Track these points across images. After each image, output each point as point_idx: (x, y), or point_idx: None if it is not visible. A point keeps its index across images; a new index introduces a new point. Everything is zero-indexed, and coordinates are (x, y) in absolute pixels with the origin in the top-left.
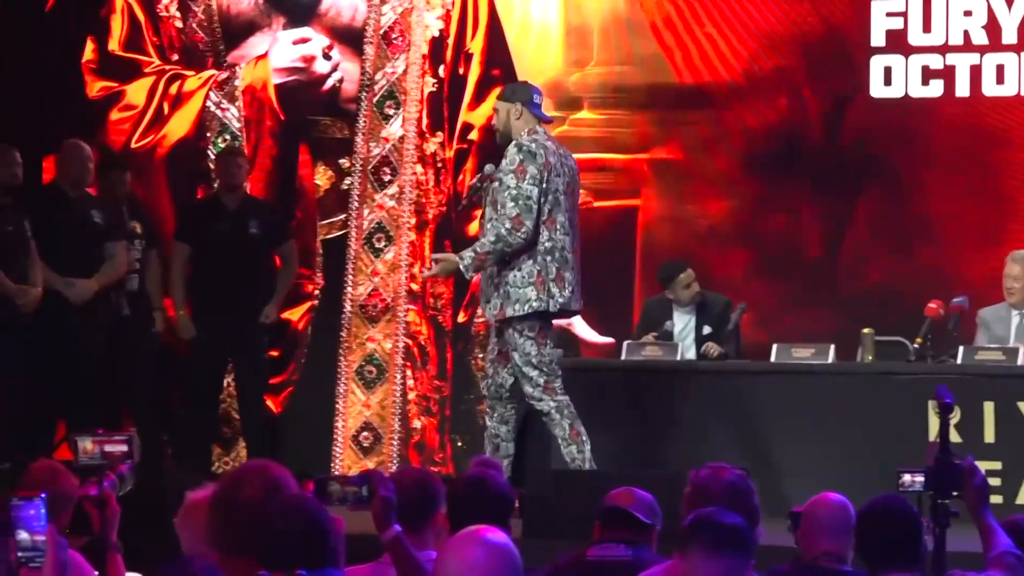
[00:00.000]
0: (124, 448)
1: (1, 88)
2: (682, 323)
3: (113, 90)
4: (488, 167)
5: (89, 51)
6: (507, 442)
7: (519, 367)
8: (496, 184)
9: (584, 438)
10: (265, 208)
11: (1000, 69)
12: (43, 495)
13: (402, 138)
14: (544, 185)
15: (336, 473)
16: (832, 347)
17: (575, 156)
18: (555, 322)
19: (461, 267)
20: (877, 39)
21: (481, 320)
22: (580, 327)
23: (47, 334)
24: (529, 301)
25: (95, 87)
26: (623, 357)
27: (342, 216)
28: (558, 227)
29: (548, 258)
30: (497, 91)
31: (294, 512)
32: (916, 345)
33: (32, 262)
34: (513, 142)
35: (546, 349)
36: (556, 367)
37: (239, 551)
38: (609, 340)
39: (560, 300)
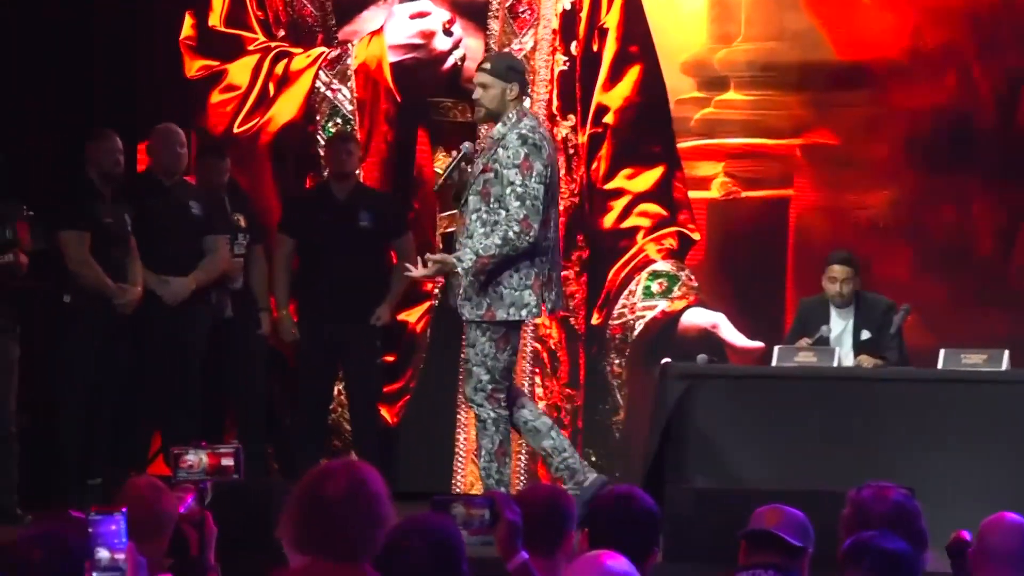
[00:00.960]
0: (231, 462)
1: (95, 69)
2: (839, 326)
3: (213, 69)
4: (466, 145)
5: (187, 27)
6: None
7: (469, 364)
8: (490, 175)
9: (508, 459)
10: (378, 199)
11: None
12: (123, 510)
13: None
14: (547, 182)
15: (457, 492)
16: (1006, 352)
17: (721, 140)
18: (700, 325)
19: (460, 270)
20: None
21: (617, 322)
22: (727, 330)
23: (142, 337)
24: (528, 306)
25: (194, 66)
26: (774, 363)
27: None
28: (552, 225)
29: (543, 259)
30: (487, 63)
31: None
32: None
33: (132, 259)
34: (515, 132)
35: (504, 355)
36: (506, 377)
37: (321, 551)
38: (759, 345)
39: (549, 304)
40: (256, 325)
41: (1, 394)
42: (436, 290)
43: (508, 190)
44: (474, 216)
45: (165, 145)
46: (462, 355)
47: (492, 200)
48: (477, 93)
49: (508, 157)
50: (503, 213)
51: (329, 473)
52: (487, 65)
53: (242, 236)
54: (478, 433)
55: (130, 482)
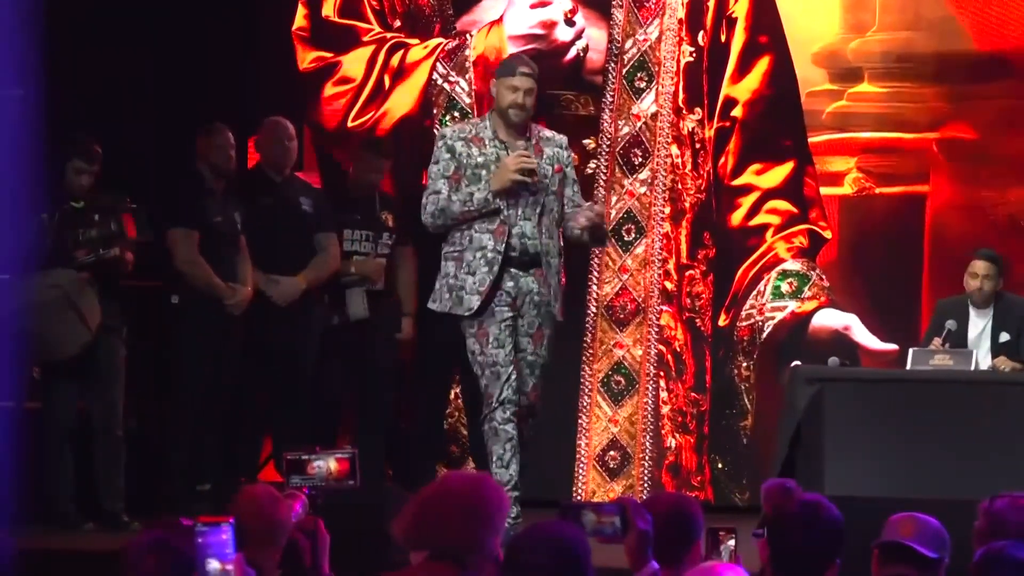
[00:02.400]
0: (347, 468)
1: (206, 61)
2: (977, 328)
3: (327, 61)
4: (521, 143)
5: (300, 17)
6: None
7: (538, 368)
8: (561, 176)
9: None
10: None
11: None
12: (231, 520)
13: (655, 115)
14: None
15: (580, 499)
16: None
17: (854, 134)
18: (832, 326)
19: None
20: None
21: (745, 324)
22: (859, 332)
23: (252, 339)
24: None
25: (307, 58)
26: (909, 366)
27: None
28: None
29: None
30: (530, 68)
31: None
32: None
33: (242, 258)
34: (560, 135)
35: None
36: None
37: (434, 548)
38: (893, 347)
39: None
40: (396, 329)
41: (108, 396)
42: None
43: (576, 187)
44: (551, 218)
45: (274, 139)
46: (586, 355)
47: (565, 201)
48: (523, 98)
49: (568, 156)
50: (578, 207)
51: (454, 477)
52: (530, 70)
53: (387, 236)
54: (526, 432)
55: (244, 489)
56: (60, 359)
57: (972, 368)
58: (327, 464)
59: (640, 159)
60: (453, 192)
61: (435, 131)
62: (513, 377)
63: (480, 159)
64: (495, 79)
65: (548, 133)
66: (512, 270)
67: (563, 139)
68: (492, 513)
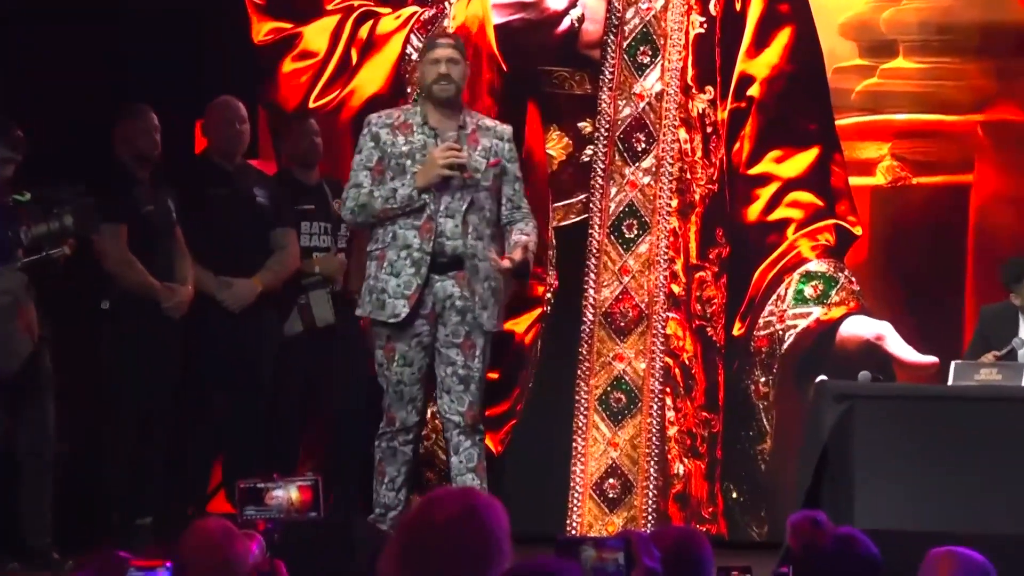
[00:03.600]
0: (310, 498)
1: (143, 32)
2: None
3: (286, 33)
4: (452, 135)
5: None
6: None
7: (474, 382)
8: (496, 170)
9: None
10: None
11: None
12: (169, 564)
13: (660, 94)
14: None
15: (574, 533)
16: None
17: (887, 116)
18: (862, 336)
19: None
20: None
21: (763, 333)
22: (894, 343)
23: (198, 350)
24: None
25: (262, 29)
26: (951, 382)
27: (581, 196)
28: None
29: None
30: (450, 38)
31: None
32: None
33: (179, 253)
34: (503, 125)
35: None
36: None
37: None
38: (932, 360)
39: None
40: (357, 334)
41: (39, 416)
42: (548, 294)
43: (518, 186)
44: (480, 216)
45: (222, 122)
46: (581, 369)
47: (504, 200)
48: (446, 67)
49: (510, 151)
50: (520, 212)
51: (441, 498)
52: (452, 40)
53: (344, 227)
54: (477, 455)
55: (193, 525)
56: (8, 371)
57: (1023, 384)
58: (287, 493)
59: (643, 145)
60: (376, 186)
61: None
62: (418, 399)
63: (405, 148)
64: (418, 62)
65: (489, 122)
66: (429, 274)
67: (506, 129)
68: (493, 542)
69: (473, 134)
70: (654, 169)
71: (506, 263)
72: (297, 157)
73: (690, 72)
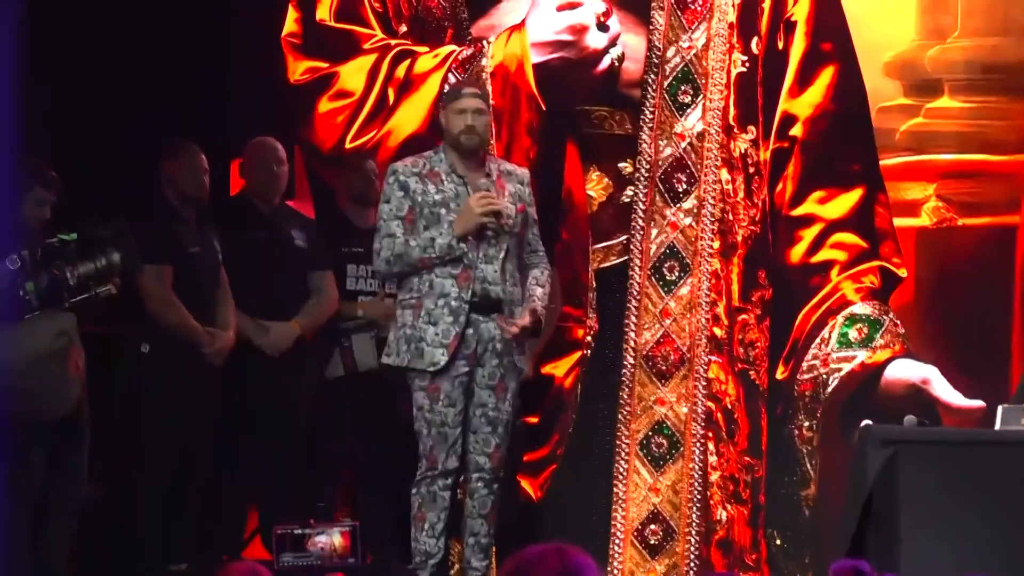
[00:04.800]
0: (349, 544)
1: (183, 72)
2: None
3: (322, 72)
4: (483, 182)
5: (291, 22)
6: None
7: (502, 426)
8: (523, 214)
9: None
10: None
11: None
12: None
13: (702, 134)
14: None
15: None
16: None
17: (933, 156)
18: (907, 380)
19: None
20: None
21: (807, 377)
22: (940, 387)
23: (236, 394)
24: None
25: (298, 69)
26: (998, 426)
27: (622, 238)
28: None
29: None
30: (474, 87)
31: None
32: None
33: (223, 297)
34: (521, 169)
35: None
36: None
37: None
38: (979, 404)
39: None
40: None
41: (75, 464)
42: (588, 338)
43: (535, 229)
44: (515, 261)
45: (260, 163)
46: (622, 413)
47: (536, 245)
48: (472, 119)
49: (529, 194)
50: (536, 256)
51: (538, 559)
52: (477, 90)
53: None
54: (491, 503)
55: (229, 568)
56: (47, 420)
57: None
58: (327, 539)
59: (685, 185)
60: (409, 235)
61: None
62: (459, 442)
63: (438, 196)
64: (441, 109)
65: (509, 166)
66: (472, 315)
67: (524, 173)
68: None
69: (499, 180)
70: (695, 210)
71: (514, 329)
72: (354, 197)
73: (732, 111)
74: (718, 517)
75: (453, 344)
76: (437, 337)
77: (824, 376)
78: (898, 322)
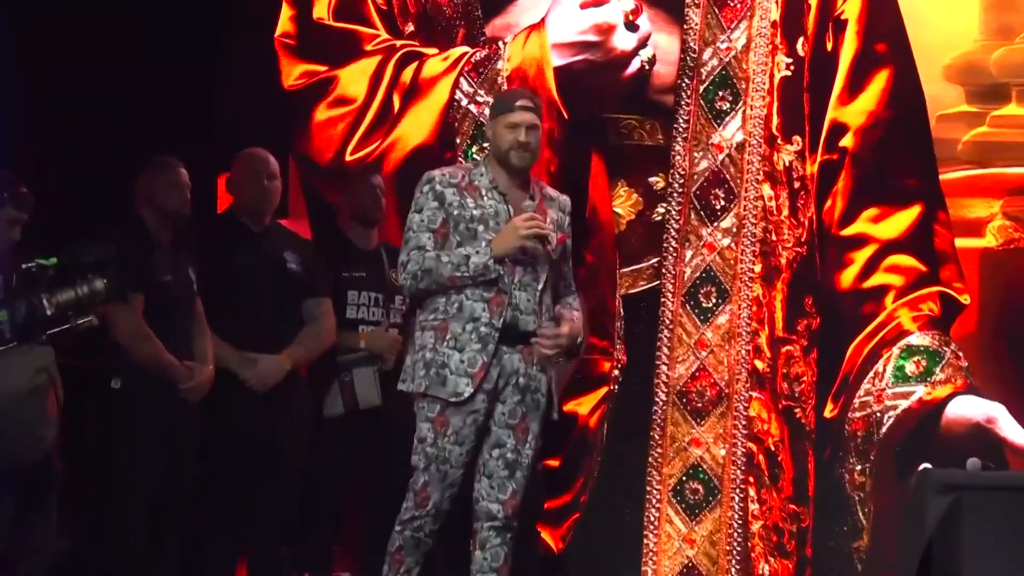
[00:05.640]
0: None
1: (162, 76)
2: None
3: (319, 77)
4: (529, 204)
5: (285, 20)
6: None
7: (524, 467)
8: (562, 246)
9: None
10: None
11: None
12: None
13: (742, 145)
14: None
15: None
16: None
17: (999, 170)
18: (971, 418)
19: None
20: None
21: (859, 415)
22: (1007, 426)
23: (218, 435)
24: None
25: (293, 73)
26: None
27: (653, 260)
28: None
29: None
30: (529, 100)
31: None
32: None
33: (199, 329)
34: (564, 196)
35: None
36: None
37: None
38: None
39: None
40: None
41: (43, 513)
42: (615, 371)
43: (570, 262)
44: (551, 293)
45: (250, 177)
46: (653, 455)
47: (561, 278)
48: (526, 136)
49: (569, 224)
50: (570, 288)
51: None
52: (531, 103)
53: (399, 300)
54: (504, 555)
55: None
56: (18, 465)
57: None
58: None
59: (722, 202)
60: (440, 250)
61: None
62: (458, 486)
63: (476, 212)
64: (489, 119)
65: (552, 192)
66: (498, 345)
67: (566, 201)
68: None
69: (541, 204)
70: (735, 229)
71: (549, 342)
72: (356, 216)
73: (775, 120)
74: (760, 572)
75: (480, 375)
76: (462, 365)
77: (878, 414)
78: (960, 354)
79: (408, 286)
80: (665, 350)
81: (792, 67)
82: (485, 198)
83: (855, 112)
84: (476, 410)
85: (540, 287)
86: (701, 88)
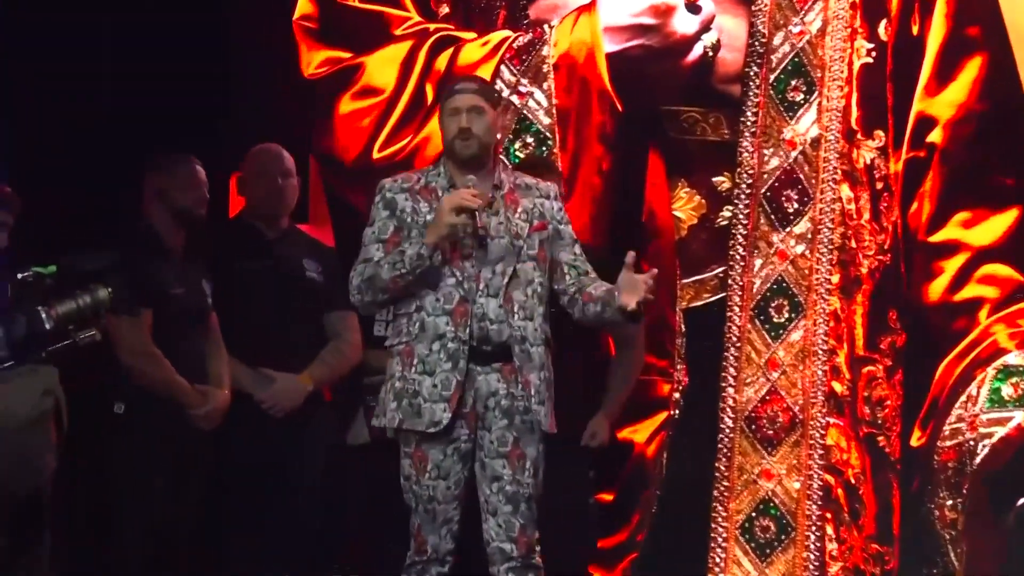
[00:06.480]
0: None
1: (167, 65)
2: None
3: (344, 64)
4: (470, 178)
5: (305, 1)
6: None
7: (527, 497)
8: (545, 234)
9: None
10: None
11: None
12: None
13: (817, 141)
14: None
15: None
16: None
17: None
18: None
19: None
20: None
21: (950, 444)
22: None
23: (231, 464)
24: None
25: (314, 60)
26: None
27: (718, 270)
28: None
29: None
30: (472, 82)
31: None
32: None
33: (214, 347)
34: (546, 183)
35: None
36: None
37: None
38: None
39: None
40: None
41: (34, 544)
42: (676, 395)
43: (578, 249)
44: (529, 291)
45: (263, 176)
46: (718, 488)
47: (566, 269)
48: (467, 120)
49: (558, 210)
50: (589, 276)
51: None
52: (475, 84)
53: None
54: None
55: None
56: (14, 498)
57: None
58: None
59: (796, 205)
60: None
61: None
62: (456, 520)
63: (431, 216)
64: (438, 112)
65: (527, 180)
66: (468, 364)
67: (550, 187)
68: None
69: (511, 194)
70: (809, 235)
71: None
72: None
73: (854, 113)
74: None
75: (455, 397)
76: (436, 389)
77: (971, 443)
78: None
79: (358, 302)
80: (731, 371)
81: (873, 53)
82: (442, 199)
83: (944, 104)
84: (456, 439)
85: (505, 285)
86: (771, 77)
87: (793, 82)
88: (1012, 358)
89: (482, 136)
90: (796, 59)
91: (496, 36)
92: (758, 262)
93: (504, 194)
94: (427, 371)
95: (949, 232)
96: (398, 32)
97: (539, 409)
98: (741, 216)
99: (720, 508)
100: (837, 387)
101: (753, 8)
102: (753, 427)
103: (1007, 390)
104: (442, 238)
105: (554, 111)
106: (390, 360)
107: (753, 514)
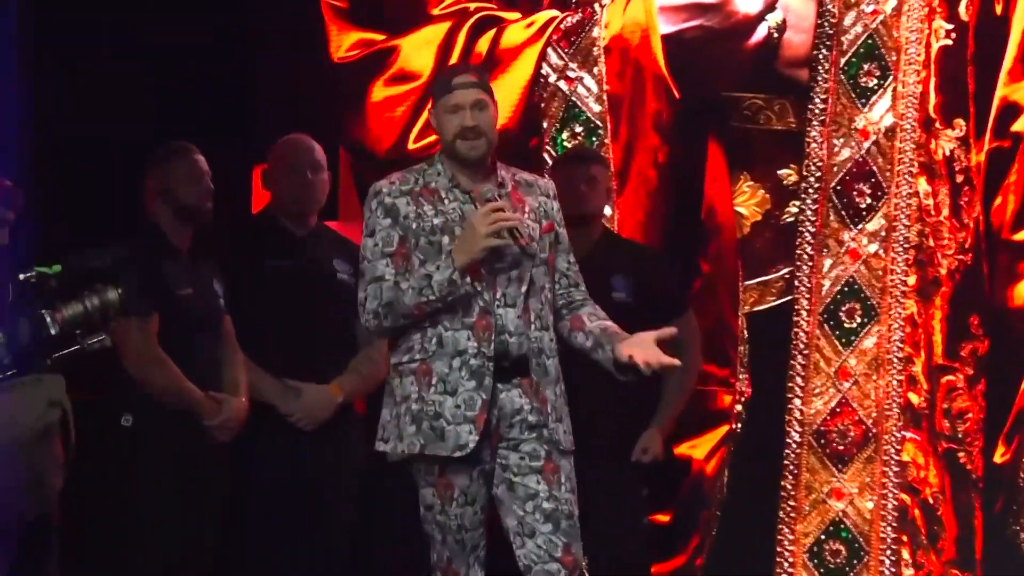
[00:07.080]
0: None
1: (186, 51)
2: None
3: (377, 47)
4: (489, 188)
5: None
6: None
7: (567, 515)
8: (553, 233)
9: None
10: (638, 254)
11: None
12: None
13: (892, 130)
14: None
15: None
16: None
17: None
18: None
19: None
20: None
21: None
22: None
23: (252, 481)
24: None
25: (344, 43)
26: None
27: (784, 271)
28: None
29: None
30: (472, 74)
31: None
32: None
33: (228, 352)
34: (545, 179)
35: None
36: None
37: None
38: None
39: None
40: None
41: (41, 571)
42: (738, 407)
43: (571, 257)
44: (543, 298)
45: (290, 169)
46: (784, 508)
47: (557, 276)
48: (472, 118)
49: (558, 210)
50: (580, 292)
51: None
52: (474, 76)
53: None
54: None
55: None
56: (19, 520)
57: None
58: None
59: (869, 200)
60: (403, 276)
61: (544, 156)
62: (483, 546)
63: (438, 220)
64: (432, 106)
65: (526, 176)
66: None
67: (549, 184)
68: None
69: (515, 192)
70: (883, 233)
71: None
72: None
73: (933, 99)
74: None
75: (481, 418)
76: (459, 410)
77: None
78: None
79: (374, 327)
80: (799, 380)
81: (953, 35)
82: (446, 201)
83: None
84: (481, 461)
85: (524, 293)
86: (842, 61)
87: (866, 66)
88: None
89: (489, 134)
90: (869, 41)
91: (542, 16)
92: (827, 262)
93: (508, 192)
94: (448, 391)
95: None
96: (435, 12)
97: (556, 427)
98: (809, 212)
99: (786, 530)
100: (914, 398)
101: None
102: (822, 442)
103: None
104: (474, 261)
105: (605, 98)
106: (400, 380)
107: (822, 537)
